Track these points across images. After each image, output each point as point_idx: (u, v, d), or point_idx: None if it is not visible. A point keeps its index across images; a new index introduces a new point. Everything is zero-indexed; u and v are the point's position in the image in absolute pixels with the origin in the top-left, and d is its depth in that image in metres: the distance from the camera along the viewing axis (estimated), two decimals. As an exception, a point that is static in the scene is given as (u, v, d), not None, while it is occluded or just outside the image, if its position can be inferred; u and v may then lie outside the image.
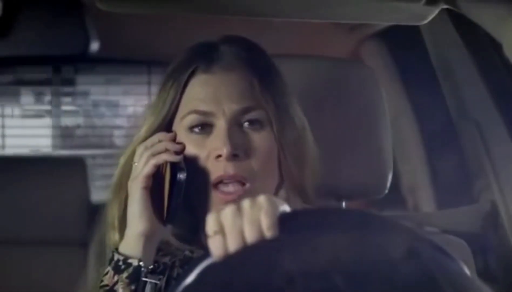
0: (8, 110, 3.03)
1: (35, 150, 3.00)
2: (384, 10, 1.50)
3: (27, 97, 3.02)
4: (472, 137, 1.99)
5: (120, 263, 1.24)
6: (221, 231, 0.89)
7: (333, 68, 1.64)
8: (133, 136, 1.34)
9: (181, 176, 1.25)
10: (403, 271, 0.79)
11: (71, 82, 3.01)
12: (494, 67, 1.96)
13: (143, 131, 1.31)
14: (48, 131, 3.03)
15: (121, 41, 2.67)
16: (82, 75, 3.01)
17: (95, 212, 1.44)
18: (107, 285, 1.24)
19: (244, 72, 1.30)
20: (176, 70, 1.32)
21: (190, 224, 1.33)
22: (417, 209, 2.38)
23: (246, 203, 0.91)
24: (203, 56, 1.32)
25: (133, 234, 1.26)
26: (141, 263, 1.24)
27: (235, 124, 1.28)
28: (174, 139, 1.30)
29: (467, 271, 0.85)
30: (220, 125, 1.27)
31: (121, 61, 2.93)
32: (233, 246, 0.87)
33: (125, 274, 1.24)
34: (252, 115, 1.29)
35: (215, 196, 1.27)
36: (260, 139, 1.28)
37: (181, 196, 1.25)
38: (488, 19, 1.30)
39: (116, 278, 1.24)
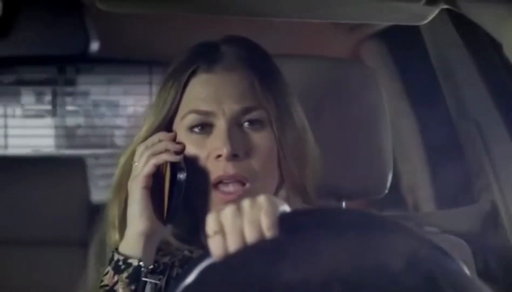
0: (9, 110, 3.03)
1: (36, 149, 3.00)
2: (384, 10, 1.50)
3: (28, 97, 3.02)
4: (472, 137, 1.99)
5: (120, 263, 1.24)
6: (221, 231, 0.89)
7: (333, 68, 1.64)
8: (134, 136, 1.34)
9: (181, 175, 1.25)
10: (403, 271, 0.79)
11: (72, 82, 3.01)
12: (494, 67, 1.95)
13: (143, 131, 1.31)
14: (50, 131, 3.03)
15: (121, 41, 2.67)
16: (83, 75, 3.01)
17: (95, 212, 1.44)
18: (107, 285, 1.24)
19: (245, 72, 1.30)
20: (177, 70, 1.32)
21: (190, 224, 1.33)
22: (417, 209, 2.38)
23: (246, 203, 0.91)
24: (204, 56, 1.32)
25: (133, 233, 1.26)
26: (141, 263, 1.24)
27: (235, 124, 1.28)
28: (174, 139, 1.30)
29: (467, 271, 0.85)
30: (220, 125, 1.27)
31: (122, 61, 2.93)
32: (233, 246, 0.87)
33: (125, 274, 1.24)
34: (253, 115, 1.29)
35: (215, 196, 1.27)
36: (261, 139, 1.28)
37: (181, 195, 1.26)
38: (488, 19, 1.30)
39: (116, 278, 1.24)
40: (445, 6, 1.38)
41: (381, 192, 1.60)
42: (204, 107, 1.28)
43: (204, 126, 1.29)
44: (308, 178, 1.33)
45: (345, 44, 2.49)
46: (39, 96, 3.02)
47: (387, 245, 0.83)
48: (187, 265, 1.20)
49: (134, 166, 1.28)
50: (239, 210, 0.91)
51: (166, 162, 1.26)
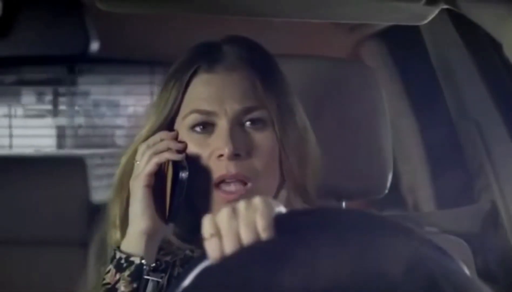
0: (10, 110, 3.02)
1: (38, 149, 3.00)
2: (384, 10, 1.50)
3: (29, 97, 3.02)
4: (472, 137, 1.99)
5: (122, 261, 1.25)
6: (217, 233, 0.89)
7: (333, 68, 1.64)
8: (135, 136, 1.35)
9: (183, 174, 1.25)
10: (403, 272, 0.79)
11: (73, 82, 3.01)
12: (494, 67, 1.95)
13: (145, 131, 1.32)
14: (51, 131, 3.03)
15: (121, 41, 2.67)
16: (85, 76, 3.01)
17: (95, 212, 1.44)
18: (108, 283, 1.25)
19: (246, 72, 1.31)
20: (178, 70, 1.32)
21: (191, 223, 1.33)
22: (417, 209, 2.38)
23: (241, 205, 0.92)
24: (206, 56, 1.32)
25: (135, 232, 1.26)
26: (143, 261, 1.24)
27: (237, 124, 1.28)
28: (176, 138, 1.30)
29: (467, 271, 0.85)
30: (222, 124, 1.27)
31: (123, 61, 2.93)
32: (229, 248, 0.87)
33: (127, 272, 1.24)
34: (254, 115, 1.29)
35: (217, 195, 1.27)
36: (262, 139, 1.29)
37: (183, 194, 1.26)
38: (488, 19, 1.30)
39: (118, 276, 1.24)
40: (445, 6, 1.38)
41: (381, 192, 1.60)
42: (206, 107, 1.28)
43: (206, 126, 1.29)
44: (309, 178, 1.33)
45: (345, 44, 2.49)
46: (40, 96, 3.02)
47: (387, 246, 0.83)
48: (185, 267, 1.21)
49: (135, 164, 1.29)
50: (234, 212, 0.91)
51: (168, 161, 1.27)
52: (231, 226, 0.89)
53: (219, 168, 1.26)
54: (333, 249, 0.82)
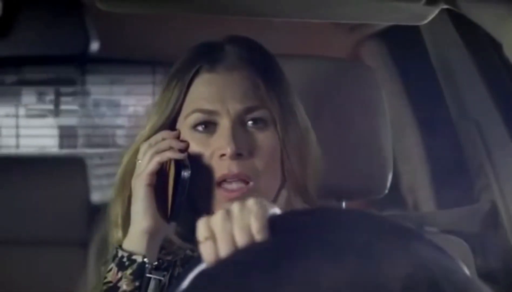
0: (12, 110, 3.02)
1: (39, 149, 3.00)
2: (384, 10, 1.50)
3: (30, 97, 3.01)
4: (472, 137, 1.99)
5: (124, 259, 1.25)
6: (211, 236, 0.89)
7: (333, 68, 1.64)
8: (137, 136, 1.35)
9: (186, 173, 1.26)
10: (403, 272, 0.79)
11: (75, 82, 3.01)
12: (494, 67, 1.95)
13: (146, 130, 1.32)
14: (52, 131, 3.03)
15: (121, 41, 2.67)
16: (86, 75, 3.01)
17: (95, 212, 1.43)
18: (110, 282, 1.25)
19: (248, 72, 1.31)
20: (180, 70, 1.33)
21: (192, 222, 1.33)
22: (417, 209, 2.39)
23: (235, 207, 0.92)
24: (208, 56, 1.32)
25: (137, 231, 1.26)
26: (145, 260, 1.24)
27: (239, 123, 1.28)
28: (178, 138, 1.30)
29: (467, 271, 0.85)
30: (224, 124, 1.27)
31: (123, 61, 2.93)
32: (224, 251, 0.87)
33: (129, 271, 1.24)
34: (256, 114, 1.29)
35: (219, 194, 1.27)
36: (264, 138, 1.29)
37: (185, 193, 1.26)
38: (488, 19, 1.29)
39: (120, 274, 1.24)
40: (445, 6, 1.38)
41: (381, 192, 1.60)
42: (208, 106, 1.29)
43: (208, 125, 1.29)
44: (309, 178, 1.33)
45: (345, 44, 2.49)
46: (41, 96, 3.02)
47: (387, 246, 0.83)
48: (183, 269, 1.21)
49: (137, 163, 1.29)
50: (229, 215, 0.91)
51: (170, 160, 1.27)
52: (226, 228, 0.89)
53: (221, 167, 1.27)
54: (332, 249, 0.82)
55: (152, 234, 1.26)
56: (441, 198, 2.31)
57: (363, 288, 0.78)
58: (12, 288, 2.23)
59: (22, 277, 2.26)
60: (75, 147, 3.02)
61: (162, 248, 1.30)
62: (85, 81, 3.01)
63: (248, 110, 1.29)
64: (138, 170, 1.28)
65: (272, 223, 0.88)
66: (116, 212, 1.31)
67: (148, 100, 2.93)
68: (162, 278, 1.25)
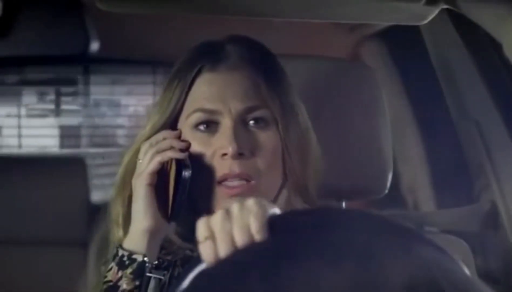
0: (14, 110, 3.02)
1: (40, 149, 3.00)
2: (384, 10, 1.50)
3: (31, 97, 3.01)
4: (472, 137, 1.99)
5: (125, 258, 1.25)
6: (211, 236, 0.89)
7: (333, 68, 1.64)
8: (138, 136, 1.35)
9: (186, 173, 1.26)
10: (402, 272, 0.79)
11: (76, 82, 3.01)
12: (494, 67, 1.95)
13: (147, 130, 1.32)
14: (53, 131, 3.03)
15: (121, 41, 2.67)
16: (87, 75, 3.01)
17: (95, 212, 1.43)
18: (110, 281, 1.25)
19: (250, 72, 1.31)
20: (182, 70, 1.33)
21: (193, 222, 1.33)
22: (417, 209, 2.38)
23: (235, 207, 0.92)
24: (209, 56, 1.32)
25: (137, 230, 1.26)
26: (145, 259, 1.24)
27: (240, 123, 1.28)
28: (179, 137, 1.30)
29: (467, 271, 0.85)
30: (226, 123, 1.28)
31: (123, 61, 2.93)
32: (223, 251, 0.88)
33: (129, 270, 1.24)
34: (258, 114, 1.29)
35: (220, 191, 1.27)
36: (266, 138, 1.29)
37: (186, 193, 1.26)
38: (488, 19, 1.30)
39: (120, 273, 1.24)
40: (445, 6, 1.38)
41: (381, 192, 1.60)
42: (209, 105, 1.29)
43: (210, 125, 1.29)
44: (310, 178, 1.33)
45: (345, 44, 2.49)
46: (42, 96, 3.02)
47: (387, 246, 0.83)
48: (183, 269, 1.21)
49: (138, 163, 1.29)
50: (228, 215, 0.91)
51: (171, 159, 1.27)
52: (225, 228, 0.89)
53: (222, 166, 1.27)
54: (331, 249, 0.82)
55: (152, 234, 1.26)
56: (441, 198, 2.31)
57: (363, 288, 0.77)
58: (12, 288, 2.23)
59: (22, 277, 2.26)
60: (76, 146, 3.02)
61: (162, 247, 1.30)
62: (86, 81, 3.01)
63: (250, 110, 1.29)
64: (138, 170, 1.28)
65: (272, 223, 0.88)
66: (116, 211, 1.31)
67: (149, 100, 2.93)
68: (162, 277, 1.25)
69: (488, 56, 1.96)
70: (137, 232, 1.26)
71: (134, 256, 1.25)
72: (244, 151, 1.27)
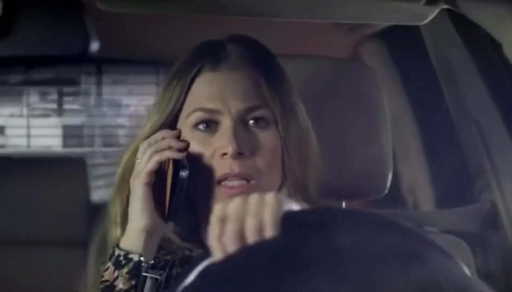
0: (15, 110, 3.02)
1: (41, 149, 3.00)
2: (384, 10, 1.50)
3: (33, 97, 3.01)
4: (472, 137, 1.99)
5: (121, 258, 1.25)
6: (224, 219, 0.90)
7: (333, 68, 1.64)
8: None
9: (184, 173, 1.26)
10: (402, 271, 0.79)
11: (78, 82, 3.01)
12: (494, 67, 1.95)
13: (146, 129, 1.32)
14: (56, 131, 3.03)
15: (121, 41, 2.67)
16: (88, 75, 3.01)
17: (95, 211, 1.43)
18: (107, 281, 1.25)
19: (250, 72, 1.31)
20: (182, 69, 1.33)
21: (192, 222, 1.33)
22: (417, 208, 2.38)
23: (253, 197, 0.93)
24: (210, 55, 1.32)
25: (134, 229, 1.26)
26: (141, 258, 1.24)
27: (240, 122, 1.28)
28: (178, 137, 1.30)
29: (467, 271, 0.85)
30: (226, 123, 1.28)
31: (125, 61, 2.93)
32: (231, 234, 0.88)
33: (125, 269, 1.24)
34: (258, 113, 1.29)
35: (220, 190, 1.27)
36: (266, 138, 1.29)
37: (183, 193, 1.26)
38: (488, 19, 1.30)
39: (116, 273, 1.24)
40: (445, 6, 1.38)
41: (381, 192, 1.60)
42: (209, 105, 1.29)
43: (209, 124, 1.29)
44: (310, 178, 1.33)
45: (345, 44, 2.49)
46: (44, 96, 3.02)
47: (387, 246, 0.83)
48: (187, 265, 1.21)
49: (136, 162, 1.29)
50: (245, 203, 0.92)
51: (169, 159, 1.27)
52: (239, 214, 0.90)
53: (222, 166, 1.27)
54: (333, 249, 0.82)
55: (149, 233, 1.26)
56: (441, 198, 2.31)
57: (363, 289, 0.78)
58: (12, 288, 2.23)
59: (22, 277, 2.25)
60: (78, 146, 3.02)
61: (161, 248, 1.30)
62: (89, 81, 3.01)
63: (250, 109, 1.29)
64: (137, 169, 1.28)
65: (285, 220, 0.88)
66: (115, 210, 1.31)
67: (151, 101, 2.92)
68: (158, 277, 1.25)
69: (488, 56, 1.96)
70: (133, 232, 1.26)
71: (130, 256, 1.25)
72: (244, 150, 1.27)
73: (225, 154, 1.26)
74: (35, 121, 3.01)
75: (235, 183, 1.27)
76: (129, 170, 1.30)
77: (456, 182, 2.21)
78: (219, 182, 1.27)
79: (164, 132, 1.30)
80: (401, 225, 0.88)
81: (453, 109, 2.08)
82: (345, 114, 1.59)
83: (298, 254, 0.81)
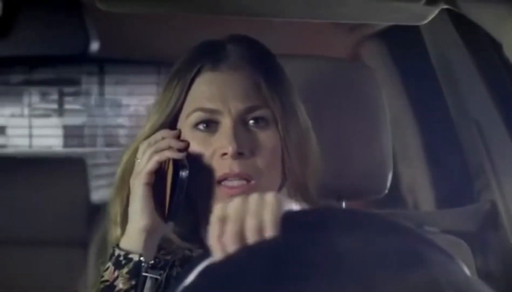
0: (16, 110, 3.02)
1: (42, 149, 3.00)
2: (384, 10, 1.50)
3: (34, 97, 3.01)
4: (472, 137, 1.99)
5: (121, 258, 1.25)
6: (224, 219, 0.90)
7: (333, 68, 1.64)
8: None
9: (183, 173, 1.26)
10: (403, 271, 0.79)
11: (78, 82, 3.02)
12: (494, 67, 1.95)
13: (146, 129, 1.32)
14: (57, 131, 3.03)
15: (121, 41, 2.67)
16: (89, 75, 3.01)
17: (95, 211, 1.43)
18: (107, 281, 1.25)
19: (250, 72, 1.31)
20: (182, 69, 1.33)
21: (192, 222, 1.33)
22: (417, 208, 2.38)
23: (253, 197, 0.93)
24: (210, 55, 1.32)
25: (134, 229, 1.26)
26: (141, 258, 1.24)
27: (240, 122, 1.28)
28: (178, 137, 1.30)
29: (467, 271, 0.85)
30: (226, 123, 1.28)
31: (125, 61, 2.93)
32: (231, 234, 0.88)
33: (125, 269, 1.24)
34: (258, 113, 1.29)
35: (220, 190, 1.27)
36: (265, 137, 1.29)
37: (183, 193, 1.26)
38: (488, 19, 1.30)
39: (116, 273, 1.24)
40: (445, 6, 1.38)
41: (381, 192, 1.60)
42: (209, 105, 1.29)
43: (209, 124, 1.29)
44: (310, 178, 1.34)
45: (345, 44, 2.49)
46: (44, 96, 3.02)
47: (387, 246, 0.83)
48: (187, 265, 1.21)
49: (136, 162, 1.29)
50: (245, 203, 0.92)
51: (169, 159, 1.27)
52: (239, 214, 0.91)
53: (222, 166, 1.27)
54: (333, 249, 0.82)
55: (149, 233, 1.26)
56: (441, 198, 2.31)
57: (363, 288, 0.78)
58: (12, 288, 2.23)
59: (22, 277, 2.26)
60: (79, 146, 3.02)
61: (161, 248, 1.30)
62: (89, 81, 3.01)
63: (250, 109, 1.29)
64: (137, 169, 1.28)
65: (285, 220, 0.88)
66: (115, 210, 1.31)
67: (152, 101, 2.92)
68: (158, 277, 1.25)
69: (488, 56, 1.96)
70: (133, 232, 1.26)
71: (130, 256, 1.25)
72: (244, 150, 1.27)
73: (225, 154, 1.26)
74: (36, 122, 3.01)
75: (235, 183, 1.27)
76: (129, 170, 1.30)
77: (456, 182, 2.21)
78: (219, 182, 1.27)
79: (164, 132, 1.30)
80: (401, 225, 0.88)
81: (453, 109, 2.08)
82: (345, 114, 1.59)
83: (298, 254, 0.81)
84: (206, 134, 1.29)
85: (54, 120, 3.01)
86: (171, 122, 1.32)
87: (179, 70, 1.33)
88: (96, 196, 2.42)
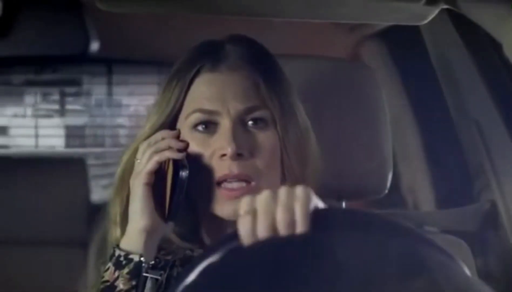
0: (18, 110, 3.02)
1: (43, 149, 3.00)
2: (384, 10, 1.50)
3: (36, 98, 3.01)
4: (472, 137, 1.99)
5: (121, 258, 1.25)
6: (253, 213, 0.89)
7: (333, 68, 1.64)
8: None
9: (183, 173, 1.26)
10: (403, 271, 0.79)
11: (79, 82, 3.02)
12: (494, 67, 1.95)
13: (146, 129, 1.32)
14: (58, 131, 3.03)
15: (121, 41, 2.67)
16: (90, 75, 3.02)
17: (95, 211, 1.43)
18: (107, 281, 1.25)
19: (249, 72, 1.31)
20: (181, 69, 1.33)
21: (192, 222, 1.33)
22: (417, 208, 2.38)
23: (283, 191, 0.92)
24: (209, 55, 1.32)
25: (134, 230, 1.26)
26: (142, 259, 1.24)
27: (239, 123, 1.28)
28: (177, 137, 1.30)
29: (467, 271, 0.85)
30: (225, 124, 1.27)
31: (125, 62, 2.93)
32: (262, 229, 0.88)
33: (126, 270, 1.24)
34: (257, 114, 1.29)
35: (219, 193, 1.27)
36: (265, 138, 1.29)
37: (183, 193, 1.26)
38: (488, 19, 1.30)
39: (117, 273, 1.24)
40: (445, 6, 1.38)
41: (381, 192, 1.60)
42: (208, 106, 1.29)
43: (209, 125, 1.29)
44: (309, 178, 1.33)
45: (345, 44, 2.49)
46: (46, 97, 3.02)
47: (387, 246, 0.83)
48: (188, 264, 1.21)
49: (136, 163, 1.29)
50: (274, 196, 0.91)
51: (168, 160, 1.27)
52: (269, 208, 0.90)
53: (221, 167, 1.27)
54: (333, 249, 0.82)
55: (149, 233, 1.26)
56: (441, 198, 2.31)
57: (363, 288, 0.77)
58: (12, 288, 2.23)
59: (22, 277, 2.26)
60: (80, 146, 3.02)
61: (161, 248, 1.30)
62: (90, 82, 3.01)
63: (249, 110, 1.29)
64: (136, 169, 1.28)
65: (314, 216, 0.88)
66: (114, 211, 1.31)
67: (152, 101, 2.92)
68: (159, 277, 1.25)
69: (488, 56, 1.96)
70: (134, 232, 1.26)
71: (130, 256, 1.25)
72: (243, 151, 1.27)
73: (224, 155, 1.26)
74: (37, 122, 3.01)
75: (234, 185, 1.27)
76: (129, 170, 1.30)
77: (456, 182, 2.21)
78: (219, 183, 1.27)
79: (164, 133, 1.30)
80: (401, 225, 0.88)
81: (453, 109, 2.08)
82: (345, 114, 1.59)
83: (297, 254, 0.81)
84: (205, 135, 1.29)
85: (56, 120, 3.01)
86: (170, 123, 1.32)
87: (178, 71, 1.33)
88: (96, 196, 2.42)
